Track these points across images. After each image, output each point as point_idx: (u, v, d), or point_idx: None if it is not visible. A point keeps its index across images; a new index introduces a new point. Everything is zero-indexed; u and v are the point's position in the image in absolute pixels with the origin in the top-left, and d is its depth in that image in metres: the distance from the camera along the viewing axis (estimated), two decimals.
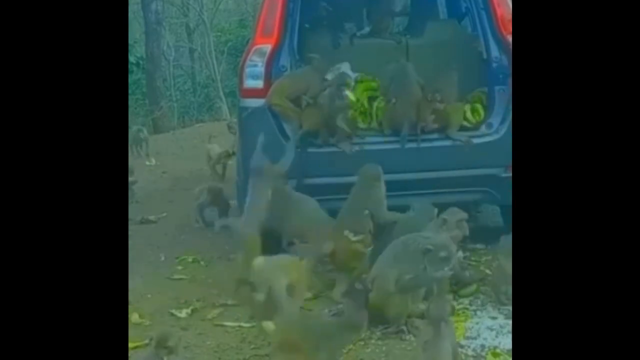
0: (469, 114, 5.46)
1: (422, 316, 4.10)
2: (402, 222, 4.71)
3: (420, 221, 4.64)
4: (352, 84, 5.56)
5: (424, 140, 5.28)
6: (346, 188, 4.85)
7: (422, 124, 5.26)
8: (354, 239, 4.55)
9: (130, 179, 7.39)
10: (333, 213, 4.83)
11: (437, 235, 4.26)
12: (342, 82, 5.29)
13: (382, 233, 4.68)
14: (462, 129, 5.39)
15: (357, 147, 5.26)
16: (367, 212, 4.63)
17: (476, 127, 5.39)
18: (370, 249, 4.59)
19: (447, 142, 5.29)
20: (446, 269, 4.08)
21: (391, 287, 4.09)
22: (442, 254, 4.05)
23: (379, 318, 4.16)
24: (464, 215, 4.58)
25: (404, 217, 4.76)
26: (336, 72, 5.48)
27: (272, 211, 4.81)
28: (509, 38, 5.25)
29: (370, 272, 4.26)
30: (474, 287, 4.70)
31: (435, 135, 5.29)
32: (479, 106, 5.51)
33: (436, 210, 4.65)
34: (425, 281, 4.14)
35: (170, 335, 3.54)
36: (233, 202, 6.39)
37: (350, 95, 5.30)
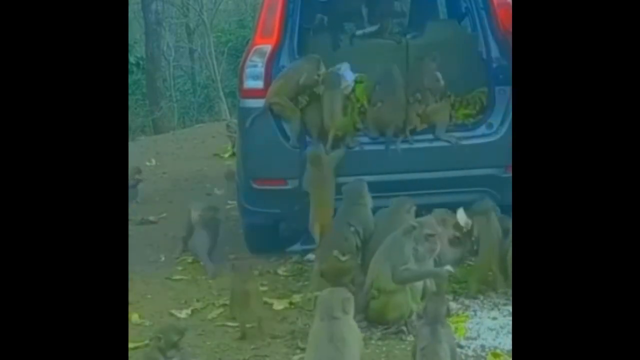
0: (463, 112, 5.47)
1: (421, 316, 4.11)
2: (379, 216, 4.73)
3: (397, 213, 4.65)
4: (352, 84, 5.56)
5: (423, 141, 5.27)
6: None
7: (410, 127, 5.27)
8: (342, 259, 4.57)
9: (137, 176, 7.32)
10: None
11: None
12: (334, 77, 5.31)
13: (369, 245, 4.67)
14: (462, 127, 5.38)
15: (357, 147, 5.26)
16: (352, 229, 4.64)
17: (475, 122, 5.38)
18: (359, 262, 4.63)
19: (446, 143, 5.28)
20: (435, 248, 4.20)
21: (390, 284, 4.10)
22: (427, 230, 4.20)
23: (379, 319, 4.16)
24: (436, 229, 4.42)
25: (382, 212, 4.76)
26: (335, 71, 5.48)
27: None
28: (509, 38, 5.24)
29: (367, 278, 4.26)
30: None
31: (429, 136, 5.29)
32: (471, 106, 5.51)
33: (413, 202, 4.67)
34: (420, 272, 4.18)
35: (173, 330, 3.56)
36: (233, 203, 6.38)
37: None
